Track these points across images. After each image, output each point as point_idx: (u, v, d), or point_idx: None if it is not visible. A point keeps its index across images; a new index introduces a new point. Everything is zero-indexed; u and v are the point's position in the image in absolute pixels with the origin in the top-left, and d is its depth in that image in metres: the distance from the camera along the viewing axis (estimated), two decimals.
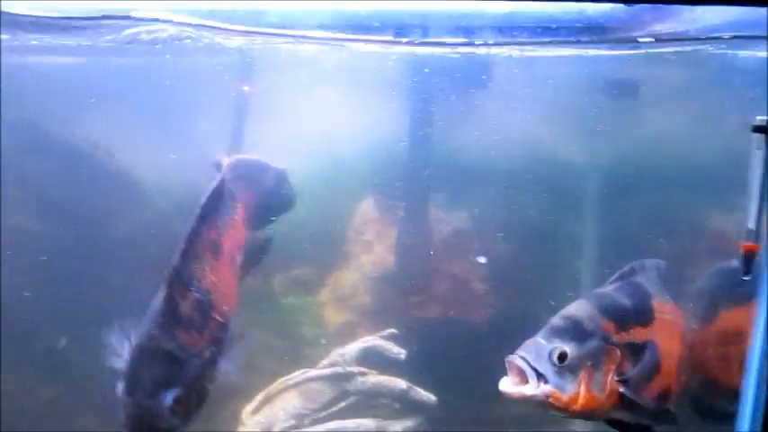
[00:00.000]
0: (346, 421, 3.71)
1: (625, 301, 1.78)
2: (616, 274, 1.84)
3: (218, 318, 2.23)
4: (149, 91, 4.30)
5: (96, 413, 4.71)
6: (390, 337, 3.91)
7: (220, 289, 2.27)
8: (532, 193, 4.18)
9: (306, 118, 4.26)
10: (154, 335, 2.07)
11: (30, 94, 4.37)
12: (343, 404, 3.77)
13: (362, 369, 3.81)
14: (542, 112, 4.00)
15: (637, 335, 1.72)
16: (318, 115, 4.27)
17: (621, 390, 1.67)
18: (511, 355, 1.69)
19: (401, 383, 3.78)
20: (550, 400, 1.67)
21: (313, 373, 3.86)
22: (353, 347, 3.87)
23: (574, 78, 4.41)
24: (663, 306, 1.82)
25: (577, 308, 1.77)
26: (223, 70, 4.21)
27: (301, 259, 4.70)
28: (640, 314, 1.77)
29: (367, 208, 4.46)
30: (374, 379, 3.79)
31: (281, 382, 3.81)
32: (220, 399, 4.44)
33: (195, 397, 2.16)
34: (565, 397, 1.65)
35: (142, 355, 2.08)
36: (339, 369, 3.82)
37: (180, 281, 2.08)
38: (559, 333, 1.70)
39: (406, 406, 3.76)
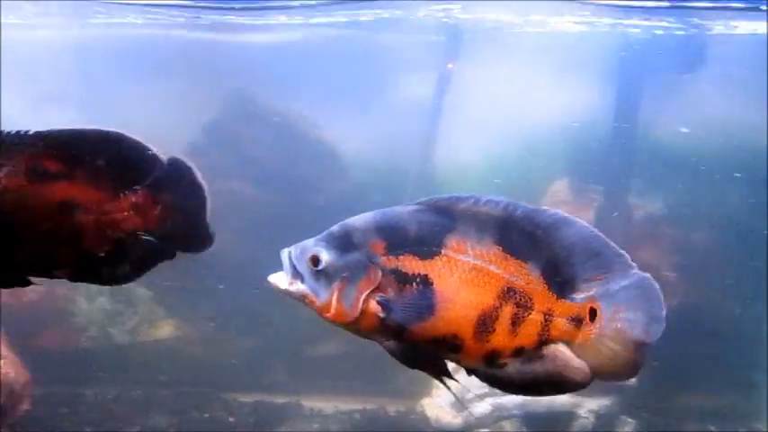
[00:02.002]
0: None
1: (408, 225, 1.63)
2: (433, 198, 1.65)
3: None
4: (355, 67, 4.51)
5: (286, 368, 5.09)
6: None
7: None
8: (738, 185, 4.03)
9: (505, 96, 4.32)
10: None
11: (246, 68, 4.70)
12: None
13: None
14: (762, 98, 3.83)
15: (409, 264, 1.60)
16: (517, 93, 4.32)
17: (381, 314, 1.59)
18: (284, 248, 1.66)
19: None
20: (306, 301, 1.63)
21: None
22: None
23: None
24: (464, 246, 1.64)
25: (361, 218, 1.66)
26: (428, 47, 4.35)
27: None
28: (422, 244, 1.62)
29: (558, 189, 4.48)
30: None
31: None
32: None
33: None
34: (318, 302, 1.61)
35: None
36: None
37: None
38: (329, 238, 1.63)
39: (601, 385, 3.76)
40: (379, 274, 1.56)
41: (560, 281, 1.64)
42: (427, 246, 1.59)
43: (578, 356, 1.64)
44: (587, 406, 3.80)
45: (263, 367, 5.00)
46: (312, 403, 5.02)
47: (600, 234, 1.62)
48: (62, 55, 4.47)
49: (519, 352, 1.62)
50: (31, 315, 4.59)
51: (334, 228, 1.62)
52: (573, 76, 4.28)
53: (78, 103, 4.73)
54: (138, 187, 1.79)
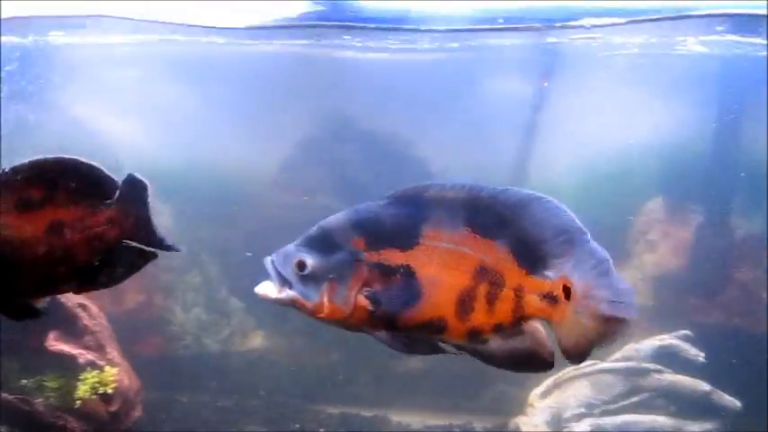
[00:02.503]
0: (640, 416, 3.74)
1: (384, 220, 1.64)
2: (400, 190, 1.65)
3: None
4: (449, 85, 4.59)
5: (373, 381, 5.14)
6: (685, 339, 3.88)
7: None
8: None
9: (599, 113, 4.32)
10: None
11: (344, 86, 4.84)
12: (635, 399, 3.80)
13: (658, 366, 3.82)
14: None
15: (390, 257, 1.62)
16: (612, 111, 4.32)
17: (370, 308, 1.62)
18: (267, 257, 1.66)
19: (702, 385, 3.74)
20: (297, 306, 1.65)
21: (605, 365, 3.92)
22: (649, 344, 3.89)
23: None
24: (439, 233, 1.65)
25: (336, 218, 1.67)
26: (523, 65, 4.39)
27: None
28: (401, 236, 1.63)
29: (654, 208, 4.44)
30: (671, 378, 3.78)
31: (570, 370, 3.92)
32: (508, 380, 4.68)
33: None
34: (309, 305, 1.63)
35: None
36: (634, 364, 3.85)
37: None
38: (309, 242, 1.65)
39: (706, 408, 3.71)
40: (365, 269, 1.59)
41: (531, 258, 1.65)
42: (405, 237, 1.61)
43: (558, 335, 1.65)
44: (689, 429, 3.73)
45: (351, 380, 5.07)
46: (400, 417, 5.07)
47: (567, 210, 1.63)
48: (167, 69, 4.70)
49: (498, 328, 1.64)
50: (130, 323, 4.79)
51: (312, 231, 1.66)
52: (670, 94, 4.26)
53: (178, 115, 4.94)
54: (109, 202, 1.99)
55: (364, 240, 1.63)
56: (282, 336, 5.26)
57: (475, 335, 1.68)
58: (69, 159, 2.00)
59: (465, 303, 1.66)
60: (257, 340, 5.52)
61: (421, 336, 1.70)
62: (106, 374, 3.52)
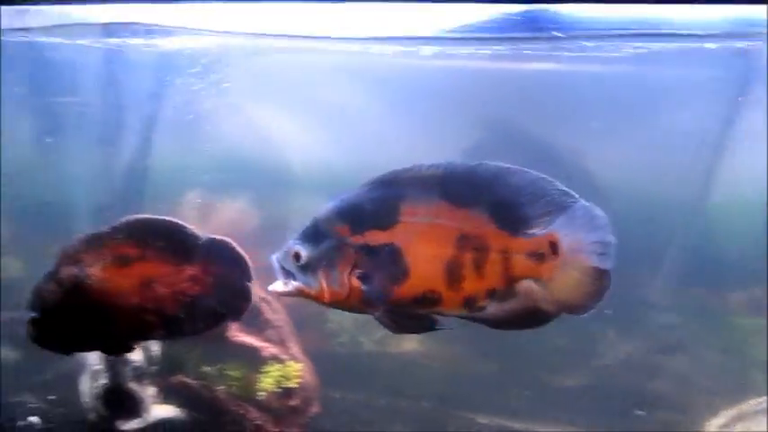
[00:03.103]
0: None
1: (364, 204, 1.72)
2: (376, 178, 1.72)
3: None
4: (629, 96, 4.43)
5: (526, 395, 5.08)
6: None
7: None
8: None
9: None
10: None
11: (512, 96, 4.81)
12: None
13: None
14: None
15: (373, 237, 1.70)
16: None
17: (363, 287, 1.70)
18: (272, 255, 1.77)
19: None
20: (303, 295, 1.79)
21: None
22: None
23: None
24: (416, 209, 1.70)
25: (323, 209, 1.78)
26: (714, 80, 4.16)
27: (759, 279, 4.49)
28: (380, 217, 1.71)
29: None
30: None
31: (755, 403, 3.69)
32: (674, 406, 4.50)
33: None
34: (312, 292, 1.76)
35: None
36: None
37: None
38: (302, 235, 1.76)
39: None
40: (352, 252, 1.72)
41: (511, 220, 1.71)
42: (385, 217, 1.71)
43: (552, 291, 1.69)
44: None
45: (505, 391, 5.02)
46: None
47: (544, 176, 1.68)
48: (343, 76, 4.84)
49: (492, 293, 1.71)
50: (288, 317, 4.99)
51: (306, 224, 1.81)
52: None
53: (350, 120, 5.08)
54: (192, 261, 2.26)
55: (348, 226, 1.75)
56: (438, 340, 5.29)
57: (470, 302, 1.74)
58: (160, 220, 2.30)
59: (454, 272, 1.73)
60: (412, 343, 5.58)
61: (420, 311, 1.78)
62: (290, 369, 3.68)
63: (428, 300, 1.76)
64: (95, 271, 2.21)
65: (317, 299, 1.85)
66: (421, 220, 1.75)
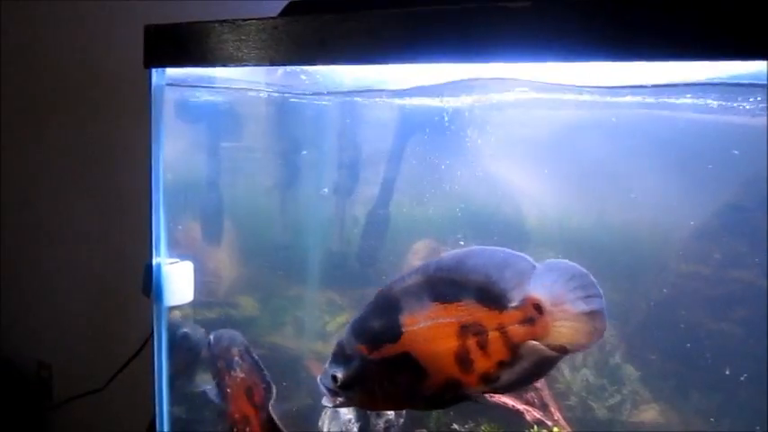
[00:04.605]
0: None
1: (373, 323, 1.93)
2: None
3: None
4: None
5: None
6: None
7: None
8: None
9: None
10: None
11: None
12: None
13: None
14: None
15: (388, 351, 1.90)
16: None
17: (396, 391, 1.94)
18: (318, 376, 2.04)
19: None
20: (349, 405, 2.27)
21: None
22: None
23: None
24: (415, 317, 1.93)
25: (344, 332, 1.95)
26: None
27: None
28: (388, 332, 1.91)
29: None
30: None
31: None
32: None
33: None
34: (356, 403, 2.09)
35: None
36: None
37: None
38: (334, 358, 2.02)
39: None
40: (375, 367, 1.92)
41: (495, 299, 1.89)
42: (391, 331, 1.91)
43: (552, 345, 1.85)
44: None
45: None
46: None
47: (497, 248, 1.87)
48: (573, 128, 4.79)
49: (502, 364, 1.92)
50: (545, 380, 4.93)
51: (334, 350, 2.00)
52: None
53: (586, 174, 4.99)
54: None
55: (365, 345, 1.95)
56: (680, 413, 4.83)
57: (486, 378, 1.91)
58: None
59: (464, 360, 1.93)
60: (650, 413, 5.11)
61: (447, 396, 1.95)
62: None
63: (450, 387, 1.95)
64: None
65: (362, 408, 2.17)
66: (422, 325, 1.98)
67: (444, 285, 2.22)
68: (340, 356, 2.41)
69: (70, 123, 2.86)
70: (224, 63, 1.10)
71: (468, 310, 2.13)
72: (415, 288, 2.20)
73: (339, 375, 2.33)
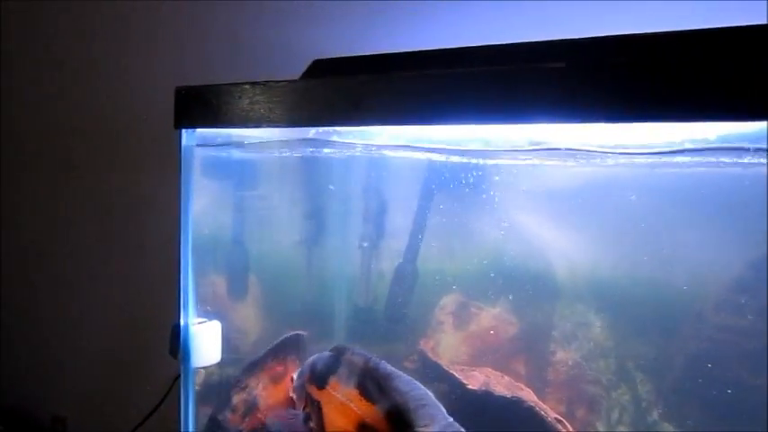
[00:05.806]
0: None
1: (320, 366, 2.08)
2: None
3: None
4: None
5: None
6: None
7: None
8: None
9: None
10: None
11: None
12: None
13: None
14: None
15: (312, 391, 2.05)
16: None
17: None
18: None
19: None
20: None
21: None
22: None
23: None
24: (337, 386, 2.07)
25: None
26: None
27: None
28: (317, 378, 2.05)
29: None
30: None
31: None
32: None
33: None
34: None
35: None
36: None
37: None
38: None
39: None
40: (305, 398, 2.07)
41: (401, 424, 1.91)
42: (320, 380, 2.05)
43: None
44: None
45: None
46: None
47: (420, 385, 1.88)
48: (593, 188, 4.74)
49: None
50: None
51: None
52: None
53: (614, 228, 4.92)
54: None
55: (308, 375, 2.09)
56: None
57: None
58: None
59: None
60: None
61: None
62: None
63: None
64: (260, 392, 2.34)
65: None
66: (338, 396, 2.13)
67: (371, 383, 2.45)
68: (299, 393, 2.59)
69: (90, 176, 2.90)
70: (256, 124, 1.10)
71: (376, 417, 2.34)
72: (352, 366, 2.40)
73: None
